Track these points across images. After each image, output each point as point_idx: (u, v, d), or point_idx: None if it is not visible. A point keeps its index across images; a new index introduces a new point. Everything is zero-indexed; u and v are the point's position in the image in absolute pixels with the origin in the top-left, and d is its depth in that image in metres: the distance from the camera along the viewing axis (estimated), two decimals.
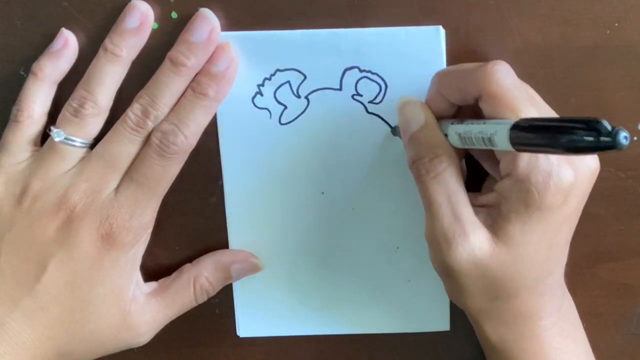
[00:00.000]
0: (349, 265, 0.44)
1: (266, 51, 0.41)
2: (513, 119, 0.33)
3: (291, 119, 0.42)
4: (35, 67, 0.40)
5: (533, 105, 0.36)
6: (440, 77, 0.39)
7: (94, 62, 0.40)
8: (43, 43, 0.41)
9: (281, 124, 0.42)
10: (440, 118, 0.39)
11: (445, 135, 0.38)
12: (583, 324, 0.43)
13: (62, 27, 0.41)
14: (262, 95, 0.42)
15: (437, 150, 0.37)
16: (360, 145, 0.42)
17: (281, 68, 0.41)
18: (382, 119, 0.42)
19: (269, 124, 0.42)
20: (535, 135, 0.31)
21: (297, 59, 0.41)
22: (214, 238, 0.44)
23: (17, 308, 0.39)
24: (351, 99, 0.42)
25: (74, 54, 0.41)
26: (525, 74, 0.41)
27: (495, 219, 0.37)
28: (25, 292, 0.39)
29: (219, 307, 0.45)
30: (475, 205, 0.38)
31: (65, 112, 0.40)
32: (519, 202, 0.36)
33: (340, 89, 0.42)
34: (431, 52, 0.41)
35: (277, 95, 0.42)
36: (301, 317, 0.45)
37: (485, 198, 0.38)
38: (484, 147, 0.35)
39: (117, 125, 0.40)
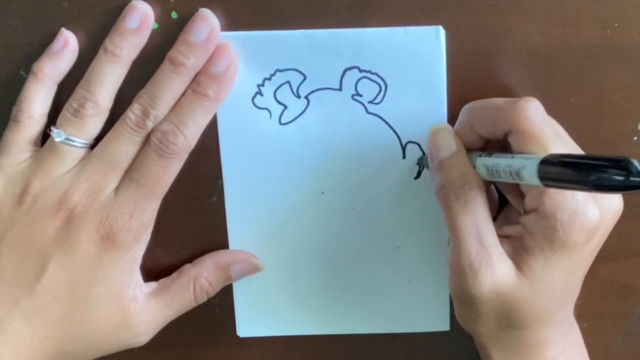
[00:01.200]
0: (349, 265, 0.44)
1: (266, 51, 0.41)
2: (542, 155, 0.34)
3: (291, 119, 0.42)
4: (35, 67, 0.40)
5: (561, 142, 0.36)
6: (470, 109, 0.39)
7: (94, 62, 0.40)
8: (43, 43, 0.41)
9: (281, 124, 0.42)
10: (468, 150, 0.39)
11: (474, 167, 0.38)
12: (583, 324, 0.43)
13: (62, 27, 0.41)
14: (262, 95, 0.42)
15: (467, 178, 0.37)
16: (360, 145, 0.42)
17: (281, 68, 0.41)
18: (382, 119, 0.42)
19: (269, 124, 0.42)
20: (563, 172, 0.31)
21: (297, 59, 0.41)
22: (214, 238, 0.44)
23: (17, 308, 0.39)
24: (351, 99, 0.42)
25: (74, 54, 0.41)
26: (525, 74, 0.41)
27: (518, 252, 0.37)
28: (25, 292, 0.39)
29: (219, 307, 0.45)
30: (500, 236, 0.38)
31: (65, 113, 0.40)
32: (544, 238, 0.36)
33: (340, 89, 0.42)
34: (431, 52, 0.41)
35: (277, 95, 0.42)
36: (301, 317, 0.45)
37: (510, 229, 0.38)
38: (511, 181, 0.35)
39: (117, 126, 0.40)
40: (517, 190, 0.39)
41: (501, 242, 0.37)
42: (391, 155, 0.42)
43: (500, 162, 0.36)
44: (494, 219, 0.39)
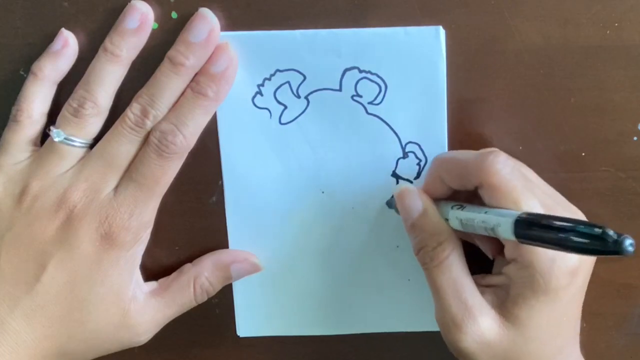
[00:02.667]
0: (349, 265, 0.44)
1: (266, 51, 0.41)
2: (514, 209, 0.35)
3: (291, 119, 0.42)
4: (35, 67, 0.40)
5: (532, 192, 0.36)
6: (439, 162, 0.40)
7: (93, 62, 0.40)
8: (43, 43, 0.41)
9: (281, 124, 0.42)
10: (440, 199, 0.40)
11: (446, 219, 0.39)
12: (583, 324, 0.43)
13: (62, 27, 0.41)
14: (262, 95, 0.42)
15: (439, 238, 0.38)
16: (360, 145, 0.42)
17: (281, 68, 0.41)
18: (382, 120, 0.42)
19: (269, 124, 0.42)
20: (539, 234, 0.32)
21: (297, 59, 0.41)
22: (214, 238, 0.44)
23: (17, 307, 0.39)
24: (351, 100, 0.42)
25: (73, 54, 0.41)
26: (525, 74, 0.41)
27: (503, 301, 0.38)
28: (25, 292, 0.39)
29: (219, 307, 0.45)
30: (483, 285, 0.39)
31: (64, 112, 0.40)
32: (525, 287, 0.36)
33: (340, 90, 0.42)
34: (431, 52, 0.41)
35: (277, 95, 0.42)
36: (301, 317, 0.45)
37: (493, 279, 0.39)
38: (486, 234, 0.36)
39: (117, 125, 0.40)
40: (493, 240, 0.40)
41: (486, 292, 0.38)
42: (391, 155, 0.42)
43: (474, 217, 0.36)
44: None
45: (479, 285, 0.39)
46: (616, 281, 0.45)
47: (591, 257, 0.38)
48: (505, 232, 0.34)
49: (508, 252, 0.37)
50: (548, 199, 0.38)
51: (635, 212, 0.43)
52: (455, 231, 0.39)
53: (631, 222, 0.43)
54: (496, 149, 0.40)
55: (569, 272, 0.36)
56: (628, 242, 0.29)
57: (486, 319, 0.37)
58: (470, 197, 0.38)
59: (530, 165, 0.42)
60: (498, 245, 0.40)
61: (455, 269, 0.38)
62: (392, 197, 0.42)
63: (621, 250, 0.29)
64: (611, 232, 0.29)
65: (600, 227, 0.29)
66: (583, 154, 0.43)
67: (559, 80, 0.42)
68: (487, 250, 0.42)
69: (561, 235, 0.31)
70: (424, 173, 0.43)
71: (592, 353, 0.42)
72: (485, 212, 0.36)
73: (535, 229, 0.32)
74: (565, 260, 0.36)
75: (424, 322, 0.45)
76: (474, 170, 0.37)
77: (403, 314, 0.45)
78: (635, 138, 0.42)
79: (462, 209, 0.38)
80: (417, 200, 0.39)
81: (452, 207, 0.38)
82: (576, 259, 0.36)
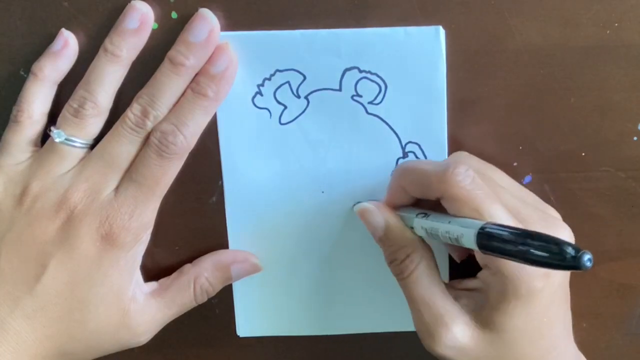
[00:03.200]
0: (349, 265, 0.44)
1: (266, 51, 0.41)
2: (477, 218, 0.35)
3: (291, 119, 0.42)
4: (35, 67, 0.40)
5: (496, 198, 0.36)
6: (401, 173, 0.40)
7: (94, 62, 0.40)
8: (43, 43, 0.41)
9: (281, 124, 0.42)
10: (403, 207, 0.40)
11: (412, 227, 0.39)
12: (583, 324, 0.43)
13: (62, 27, 0.41)
14: (262, 95, 0.42)
15: (407, 250, 0.39)
16: (360, 145, 0.42)
17: (281, 68, 0.41)
18: (382, 120, 0.42)
19: (269, 124, 0.42)
20: (500, 246, 0.32)
21: (296, 59, 0.41)
22: (214, 238, 0.44)
23: (18, 308, 0.39)
24: (351, 100, 0.42)
25: (74, 54, 0.41)
26: (525, 74, 0.41)
27: (479, 305, 0.38)
28: (25, 292, 0.39)
29: (219, 307, 0.45)
30: (459, 289, 0.39)
31: (65, 113, 0.40)
32: (497, 292, 0.37)
33: (339, 90, 0.42)
34: (431, 52, 0.41)
35: (276, 95, 0.42)
36: (301, 317, 0.45)
37: (468, 283, 0.40)
38: (450, 243, 0.36)
39: (117, 126, 0.40)
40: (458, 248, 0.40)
41: (462, 296, 0.39)
42: (391, 155, 0.42)
43: (438, 227, 0.37)
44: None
45: (455, 290, 0.39)
46: (616, 281, 0.45)
47: None
48: (469, 243, 0.34)
49: (479, 258, 0.38)
50: (516, 202, 0.38)
51: (635, 212, 0.43)
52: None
53: (631, 222, 0.43)
54: (459, 157, 0.40)
55: (540, 275, 0.36)
56: (586, 258, 0.29)
57: (459, 325, 0.38)
58: (435, 204, 0.38)
59: (530, 165, 0.43)
60: (464, 249, 0.40)
61: (425, 279, 0.38)
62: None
63: (580, 266, 0.29)
64: (569, 249, 0.29)
65: (557, 243, 0.29)
66: (583, 154, 0.43)
67: (559, 80, 0.42)
68: (453, 253, 0.42)
69: (521, 248, 0.31)
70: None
71: (592, 353, 0.42)
72: (449, 222, 0.36)
73: (497, 242, 0.33)
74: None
75: None
76: (434, 182, 0.37)
77: (403, 314, 0.45)
78: (635, 138, 0.42)
79: (426, 218, 0.38)
80: (378, 218, 0.40)
81: (416, 216, 0.39)
82: None
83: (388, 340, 0.46)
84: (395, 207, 0.41)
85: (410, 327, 0.45)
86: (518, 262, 0.32)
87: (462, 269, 0.43)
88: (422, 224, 0.38)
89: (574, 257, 0.29)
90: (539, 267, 0.31)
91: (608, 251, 0.44)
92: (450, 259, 0.44)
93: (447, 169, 0.37)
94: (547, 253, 0.30)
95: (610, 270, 0.44)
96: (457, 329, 0.37)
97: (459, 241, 0.35)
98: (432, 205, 0.39)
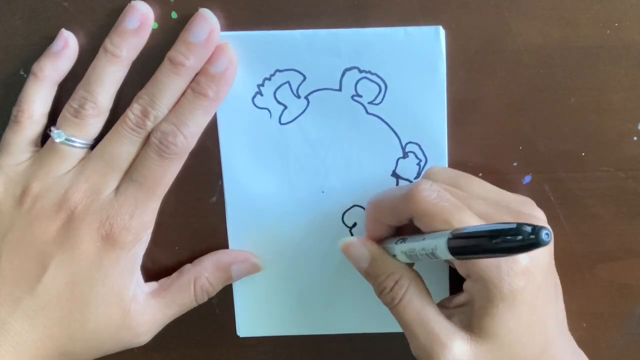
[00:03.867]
0: (349, 265, 0.44)
1: (266, 51, 0.41)
2: (448, 229, 0.35)
3: (291, 119, 0.42)
4: (35, 67, 0.40)
5: (464, 207, 0.37)
6: (371, 207, 0.41)
7: (94, 62, 0.40)
8: (43, 43, 0.41)
9: (281, 123, 0.42)
10: (384, 239, 0.40)
11: (394, 255, 0.39)
12: (583, 324, 0.43)
13: (62, 27, 0.41)
14: (262, 95, 0.42)
15: (394, 277, 0.39)
16: (360, 145, 0.42)
17: (281, 68, 0.41)
18: (382, 120, 0.42)
19: (269, 124, 0.42)
20: (469, 246, 0.33)
21: (296, 59, 0.41)
22: (214, 238, 0.44)
23: (18, 308, 0.39)
24: (351, 100, 0.42)
25: (74, 54, 0.41)
26: (525, 74, 0.41)
27: (469, 317, 0.38)
28: (26, 292, 0.39)
29: (219, 307, 0.45)
30: (451, 308, 0.39)
31: (65, 113, 0.40)
32: (483, 299, 0.37)
33: (339, 90, 0.42)
34: (431, 52, 0.41)
35: (277, 95, 0.42)
36: (301, 317, 0.45)
37: (458, 299, 0.39)
38: (430, 261, 0.36)
39: (117, 126, 0.40)
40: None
41: (454, 314, 0.39)
42: (391, 155, 0.42)
43: (414, 247, 0.37)
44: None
45: (447, 308, 0.39)
46: (616, 281, 0.45)
47: (546, 252, 0.37)
48: (443, 253, 0.34)
49: (460, 269, 0.38)
50: (486, 207, 0.38)
51: (635, 212, 0.43)
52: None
53: (631, 222, 0.43)
54: (428, 173, 0.40)
55: (519, 273, 0.36)
56: (544, 232, 0.29)
57: (456, 342, 0.37)
58: (414, 229, 0.39)
59: (530, 165, 0.43)
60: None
61: (416, 303, 0.38)
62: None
63: (539, 241, 0.29)
64: (525, 227, 0.30)
65: (515, 225, 0.30)
66: (583, 154, 0.43)
67: (559, 80, 0.42)
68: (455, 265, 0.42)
69: (486, 241, 0.31)
70: (424, 173, 0.43)
71: (592, 353, 0.42)
72: (423, 239, 0.36)
73: (464, 243, 0.33)
74: (510, 263, 0.36)
75: None
76: (402, 205, 0.38)
77: None
78: (635, 138, 0.42)
79: (404, 242, 0.38)
80: (362, 250, 0.40)
81: (396, 243, 0.39)
82: (525, 258, 0.36)
83: (388, 340, 0.46)
84: (378, 241, 0.41)
85: None
86: (491, 256, 0.33)
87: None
88: (401, 248, 0.38)
89: (530, 233, 0.30)
90: (508, 254, 0.31)
91: (608, 251, 0.44)
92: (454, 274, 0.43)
93: (410, 189, 0.37)
94: (508, 236, 0.30)
95: (610, 270, 0.44)
96: (455, 347, 0.37)
97: (435, 254, 0.35)
98: (411, 231, 0.39)
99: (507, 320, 0.37)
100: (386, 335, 0.46)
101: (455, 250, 0.34)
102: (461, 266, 0.37)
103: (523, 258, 0.36)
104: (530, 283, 0.36)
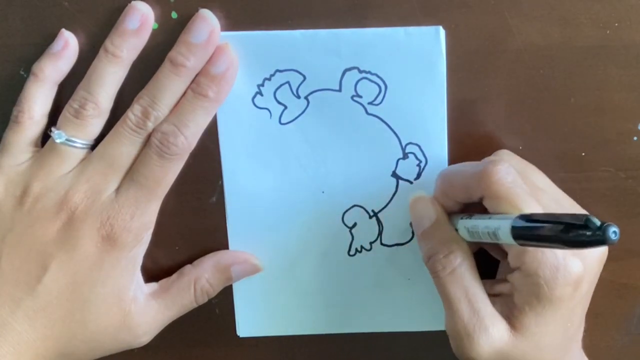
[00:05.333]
0: (349, 265, 0.44)
1: (266, 51, 0.41)
2: (516, 214, 0.35)
3: (291, 119, 0.42)
4: (35, 68, 0.40)
5: (535, 198, 0.36)
6: (442, 178, 0.40)
7: (94, 63, 0.40)
8: (43, 43, 0.41)
9: (281, 123, 0.42)
10: (450, 213, 0.40)
11: (456, 229, 0.39)
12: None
13: (62, 27, 0.41)
14: (262, 95, 0.42)
15: (451, 246, 0.38)
16: (360, 145, 0.42)
17: (281, 68, 0.41)
18: (382, 120, 0.42)
19: (269, 124, 0.42)
20: (533, 232, 0.32)
21: (296, 59, 0.41)
22: (214, 238, 0.44)
23: (19, 308, 0.39)
24: (351, 100, 0.42)
25: (74, 55, 0.41)
26: (525, 74, 0.41)
27: (511, 309, 0.38)
28: (26, 293, 0.39)
29: (219, 307, 0.45)
30: (491, 294, 0.39)
31: (66, 113, 0.40)
32: (531, 295, 0.36)
33: (339, 90, 0.42)
34: (431, 52, 0.41)
35: (277, 95, 0.42)
36: (301, 317, 0.45)
37: (500, 287, 0.39)
38: (490, 241, 0.36)
39: (118, 126, 0.40)
40: (500, 248, 0.40)
41: (494, 301, 0.38)
42: (391, 155, 0.42)
43: (478, 224, 0.37)
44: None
45: (488, 294, 0.39)
46: (616, 281, 0.45)
47: (596, 265, 0.38)
48: (505, 234, 0.34)
49: (512, 259, 0.37)
50: (552, 202, 0.38)
51: (636, 212, 0.43)
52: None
53: (631, 222, 0.44)
54: (501, 155, 0.40)
55: (572, 281, 0.36)
56: (611, 230, 0.29)
57: (497, 328, 0.37)
58: (480, 210, 0.38)
59: None
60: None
61: (467, 278, 0.38)
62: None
63: (605, 239, 0.29)
64: (594, 220, 0.29)
65: (584, 217, 0.30)
66: (583, 154, 0.43)
67: (559, 80, 0.42)
68: (494, 251, 0.42)
69: (550, 230, 0.31)
70: (424, 173, 0.43)
71: (592, 353, 0.42)
72: (489, 218, 0.36)
73: (529, 228, 0.33)
74: (568, 269, 0.36)
75: (424, 322, 0.45)
76: (475, 182, 0.37)
77: (403, 314, 0.45)
78: (635, 138, 0.42)
79: (469, 219, 0.38)
80: (430, 209, 0.40)
81: (461, 218, 0.39)
82: (580, 267, 0.36)
83: (388, 340, 0.46)
84: None
85: (409, 327, 0.45)
86: (550, 246, 0.32)
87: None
88: (465, 223, 0.38)
89: (598, 228, 0.29)
90: (571, 247, 0.31)
91: (608, 251, 0.44)
92: None
93: (487, 167, 0.37)
94: (575, 228, 0.30)
95: (610, 270, 0.44)
96: (496, 333, 0.37)
97: (497, 235, 0.35)
98: (479, 211, 0.38)
99: (547, 322, 0.37)
100: (386, 335, 0.46)
101: (517, 234, 0.33)
102: (516, 257, 0.37)
103: (578, 266, 0.36)
104: (578, 292, 0.36)
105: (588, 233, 0.29)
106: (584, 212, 0.40)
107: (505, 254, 0.40)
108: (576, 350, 0.40)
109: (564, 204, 0.39)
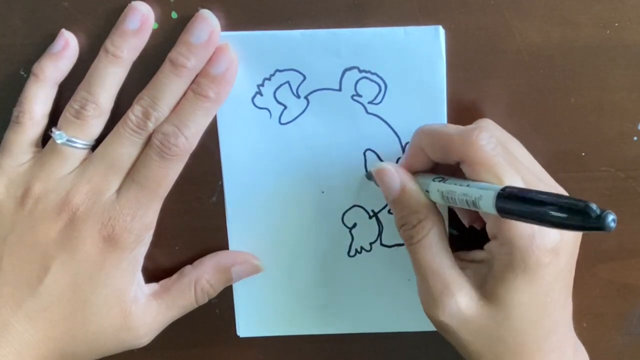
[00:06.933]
0: (349, 265, 0.44)
1: (266, 51, 0.41)
2: (496, 183, 0.35)
3: (291, 119, 0.42)
4: (36, 68, 0.40)
5: (515, 168, 0.36)
6: (422, 135, 0.39)
7: (94, 63, 0.40)
8: (43, 43, 0.41)
9: (281, 124, 0.42)
10: (419, 172, 0.40)
11: (427, 191, 0.38)
12: (583, 324, 0.43)
13: (62, 27, 0.41)
14: (261, 95, 0.42)
15: (419, 215, 0.38)
16: (360, 145, 0.42)
17: (281, 68, 0.41)
18: (382, 120, 0.42)
19: (269, 124, 0.42)
20: (521, 208, 0.32)
21: (296, 59, 0.41)
22: (214, 238, 0.44)
23: (20, 309, 0.39)
24: (351, 100, 0.42)
25: (74, 55, 0.41)
26: (525, 74, 0.41)
27: (484, 277, 0.38)
28: (28, 294, 0.39)
29: (219, 307, 0.45)
30: (466, 261, 0.39)
31: (66, 114, 0.40)
32: (504, 264, 0.37)
33: (339, 90, 0.42)
34: (431, 52, 0.41)
35: (276, 95, 0.42)
36: (301, 317, 0.45)
37: (475, 255, 0.39)
38: (467, 207, 0.36)
39: (118, 127, 0.40)
40: (473, 215, 0.40)
41: (468, 268, 0.39)
42: (391, 155, 0.42)
43: (455, 190, 0.36)
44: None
45: (461, 260, 0.39)
46: (616, 281, 0.45)
47: (574, 237, 0.37)
48: (487, 205, 0.34)
49: (489, 228, 0.38)
50: (532, 176, 0.37)
51: (636, 212, 0.43)
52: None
53: (631, 222, 0.44)
54: (484, 123, 0.40)
55: (549, 250, 0.36)
56: (610, 218, 0.28)
57: (464, 296, 0.38)
58: (452, 171, 0.38)
59: None
60: (475, 214, 0.40)
61: (434, 247, 0.38)
62: (369, 171, 0.42)
63: (604, 226, 0.28)
64: (594, 207, 0.29)
65: (583, 202, 0.29)
66: (583, 154, 0.43)
67: (559, 80, 0.42)
68: (464, 218, 0.42)
69: (543, 209, 0.30)
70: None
71: (592, 353, 0.42)
72: (468, 185, 0.36)
73: (516, 203, 0.32)
74: (544, 237, 0.36)
75: (424, 322, 0.45)
76: (457, 145, 0.37)
77: (403, 314, 0.45)
78: (635, 138, 0.42)
79: (443, 182, 0.37)
80: (394, 179, 0.39)
81: (433, 180, 0.38)
82: (557, 237, 0.36)
83: (388, 340, 0.46)
84: (412, 172, 0.40)
85: (409, 327, 0.45)
86: (537, 224, 0.32)
87: (460, 242, 0.42)
88: (439, 187, 0.38)
89: (598, 217, 0.28)
90: (559, 228, 0.31)
91: (608, 251, 0.44)
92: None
93: (471, 132, 0.36)
94: (570, 213, 0.29)
95: (610, 270, 0.44)
96: (462, 299, 0.37)
97: (476, 204, 0.35)
98: (449, 172, 0.38)
99: (521, 293, 0.37)
100: (386, 335, 0.46)
101: (502, 208, 0.33)
102: (493, 225, 0.37)
103: (555, 235, 0.36)
104: (555, 264, 0.36)
105: (588, 219, 0.28)
106: (563, 190, 0.39)
107: (471, 216, 0.40)
108: (565, 333, 0.40)
109: (543, 179, 0.39)
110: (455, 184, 0.37)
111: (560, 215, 0.30)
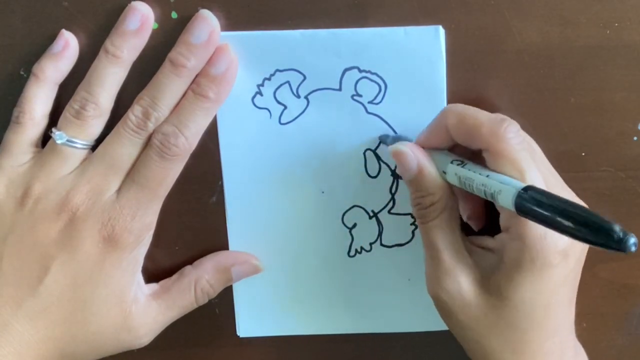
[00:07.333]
0: (349, 265, 0.44)
1: (266, 51, 0.41)
2: (517, 178, 0.35)
3: (291, 119, 0.42)
4: (36, 68, 0.40)
5: (539, 169, 0.36)
6: (450, 114, 0.38)
7: (94, 63, 0.40)
8: (43, 43, 0.41)
9: (281, 123, 0.42)
10: (439, 149, 0.39)
11: (444, 171, 0.38)
12: (583, 324, 0.43)
13: (62, 27, 0.41)
14: (261, 95, 0.42)
15: (433, 197, 0.39)
16: (360, 145, 0.42)
17: (281, 68, 0.41)
18: (382, 119, 0.42)
19: (269, 124, 0.42)
20: (541, 211, 0.32)
21: (296, 59, 0.41)
22: (214, 238, 0.44)
23: (20, 309, 0.39)
24: (351, 100, 0.42)
25: (74, 55, 0.41)
26: (525, 74, 0.41)
27: (492, 267, 0.38)
28: (28, 294, 0.39)
29: (219, 307, 0.45)
30: (476, 245, 0.39)
31: (66, 114, 0.40)
32: (513, 260, 0.37)
33: (339, 90, 0.42)
34: (431, 52, 0.41)
35: (276, 95, 0.42)
36: (301, 317, 0.45)
37: (486, 241, 0.39)
38: (483, 197, 0.36)
39: (118, 127, 0.40)
40: (469, 201, 0.41)
41: (477, 253, 0.39)
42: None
43: (474, 178, 0.36)
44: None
45: (471, 244, 0.39)
46: (616, 281, 0.45)
47: (582, 245, 0.37)
48: (505, 201, 0.34)
49: (502, 220, 0.38)
50: (551, 177, 0.38)
51: (635, 212, 0.43)
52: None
53: (631, 222, 0.44)
54: (509, 118, 0.40)
55: (558, 251, 0.36)
56: (632, 241, 0.28)
57: (466, 277, 0.38)
58: (468, 153, 0.38)
59: None
60: (476, 209, 0.41)
61: (444, 229, 0.38)
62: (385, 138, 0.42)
63: (624, 249, 0.28)
64: (618, 229, 0.29)
65: (608, 223, 0.29)
66: (583, 154, 0.43)
67: (559, 80, 0.42)
68: (464, 212, 0.42)
69: (564, 219, 0.30)
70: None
71: (592, 353, 0.42)
72: (487, 176, 0.36)
73: (538, 205, 0.32)
74: (555, 239, 0.36)
75: (424, 322, 0.45)
76: (485, 132, 0.37)
77: (403, 314, 0.45)
78: (635, 138, 0.42)
79: (462, 166, 0.37)
80: (411, 161, 0.39)
81: (452, 162, 0.38)
82: (567, 239, 0.36)
83: (388, 340, 0.46)
84: (430, 148, 0.40)
85: (409, 327, 0.45)
86: (553, 229, 0.31)
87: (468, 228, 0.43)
88: (457, 171, 0.37)
89: (620, 240, 0.28)
90: (574, 239, 0.30)
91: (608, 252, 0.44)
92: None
93: (501, 123, 0.36)
94: (591, 230, 0.29)
95: (610, 270, 0.44)
96: (464, 281, 0.38)
97: (494, 197, 0.35)
98: (467, 155, 0.38)
99: (525, 291, 0.37)
100: (386, 335, 0.46)
101: (521, 207, 0.33)
102: (506, 219, 0.37)
103: (566, 238, 0.35)
104: (563, 266, 0.36)
105: (610, 240, 0.28)
106: (573, 194, 0.39)
107: (471, 210, 0.41)
108: (567, 336, 0.40)
109: (558, 181, 0.39)
110: (474, 172, 0.36)
111: (582, 229, 0.29)
